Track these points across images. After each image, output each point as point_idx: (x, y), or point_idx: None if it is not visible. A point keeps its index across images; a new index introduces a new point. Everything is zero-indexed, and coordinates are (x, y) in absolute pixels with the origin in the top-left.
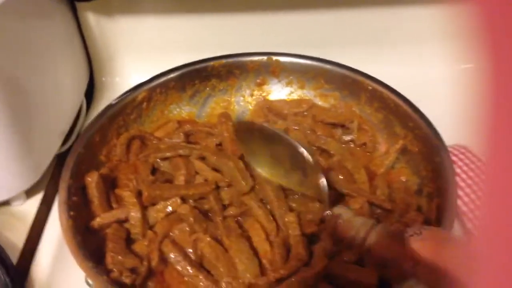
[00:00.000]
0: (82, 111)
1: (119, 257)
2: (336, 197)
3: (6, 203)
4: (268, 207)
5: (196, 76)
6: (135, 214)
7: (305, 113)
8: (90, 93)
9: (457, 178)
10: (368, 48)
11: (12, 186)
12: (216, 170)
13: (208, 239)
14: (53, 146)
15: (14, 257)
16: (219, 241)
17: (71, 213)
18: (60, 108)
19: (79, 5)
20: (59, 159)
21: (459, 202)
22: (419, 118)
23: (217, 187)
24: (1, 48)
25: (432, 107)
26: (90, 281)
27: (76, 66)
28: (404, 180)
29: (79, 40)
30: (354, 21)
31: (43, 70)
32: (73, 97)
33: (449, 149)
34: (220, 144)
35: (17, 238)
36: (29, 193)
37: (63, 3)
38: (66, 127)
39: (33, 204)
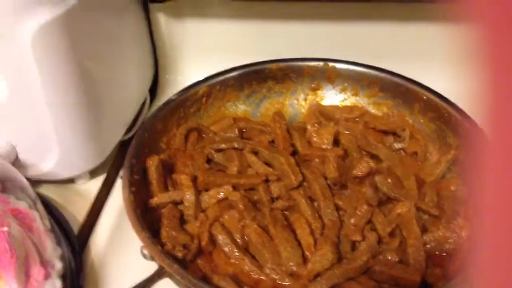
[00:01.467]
0: (145, 105)
1: (173, 232)
2: (384, 200)
3: (71, 181)
4: (315, 204)
5: (254, 77)
6: (189, 196)
7: (357, 119)
8: (154, 89)
9: None
10: (423, 61)
11: (78, 165)
12: (267, 164)
13: (255, 226)
14: (118, 133)
15: (75, 229)
16: (265, 230)
17: (133, 188)
18: (126, 99)
19: (151, 6)
20: (122, 147)
21: None
22: (471, 128)
23: (267, 180)
24: (81, 40)
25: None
26: (145, 252)
27: (143, 62)
28: (453, 189)
29: (148, 39)
30: (410, 34)
31: (114, 63)
32: (139, 91)
33: None
34: (272, 141)
35: (79, 213)
36: (93, 174)
37: (137, 2)
38: (130, 118)
39: (95, 184)
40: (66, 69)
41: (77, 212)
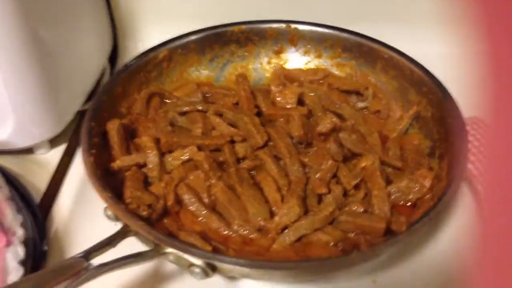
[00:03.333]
0: (105, 74)
1: (137, 192)
2: (349, 156)
3: (30, 150)
4: (281, 163)
5: (216, 41)
6: (153, 157)
7: (321, 81)
8: (114, 58)
9: (470, 144)
10: (387, 24)
11: (36, 134)
12: (232, 126)
13: (222, 184)
14: (76, 102)
15: (37, 198)
16: (232, 189)
17: (92, 151)
18: (83, 67)
19: None
20: (82, 117)
21: (471, 166)
22: (433, 83)
23: (233, 141)
24: (27, 4)
25: (453, 83)
26: (109, 213)
27: (100, 30)
28: (416, 143)
29: (104, 5)
30: None
31: (68, 29)
32: (97, 58)
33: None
34: (237, 104)
35: (40, 182)
36: (53, 144)
37: None
38: (89, 86)
39: (56, 154)
40: (16, 33)
41: (38, 182)
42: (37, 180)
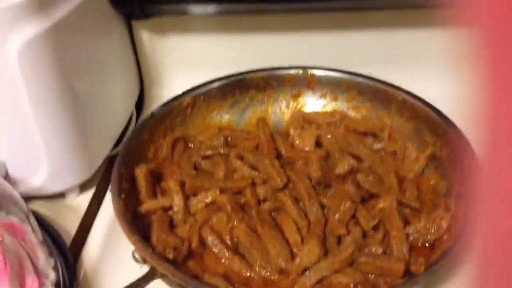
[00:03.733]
0: (132, 120)
1: (163, 235)
2: (366, 197)
3: (61, 195)
4: (301, 204)
5: (237, 87)
6: (178, 201)
7: (338, 123)
8: (140, 104)
9: None
10: (399, 66)
11: (67, 179)
12: (253, 168)
13: (243, 226)
14: (105, 148)
15: (67, 242)
16: (253, 230)
17: (122, 195)
18: (112, 114)
19: (134, 23)
20: (110, 162)
21: None
22: (447, 125)
23: (254, 184)
24: (66, 55)
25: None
26: (137, 256)
27: (128, 78)
28: (432, 183)
29: (132, 54)
30: (385, 41)
31: (99, 78)
32: (125, 106)
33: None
34: (257, 147)
35: (70, 226)
36: (82, 188)
37: (120, 19)
38: (117, 133)
39: (85, 198)
40: (52, 84)
41: (68, 226)
42: (68, 223)
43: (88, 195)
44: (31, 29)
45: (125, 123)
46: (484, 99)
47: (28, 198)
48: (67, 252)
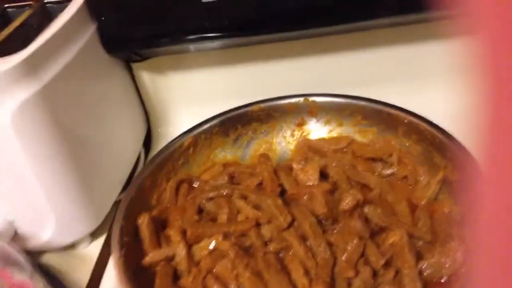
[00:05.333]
0: (140, 160)
1: None
2: (377, 231)
3: (72, 246)
4: (308, 243)
5: (238, 121)
6: (180, 251)
7: (345, 149)
8: (148, 143)
9: None
10: (399, 83)
11: (77, 230)
12: (256, 208)
13: (248, 274)
14: (114, 193)
15: None
16: (260, 275)
17: (123, 251)
18: (119, 158)
19: (134, 65)
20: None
21: None
22: (455, 146)
23: (258, 224)
24: (63, 110)
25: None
26: None
27: (133, 119)
28: (447, 211)
29: (136, 95)
30: (382, 59)
31: (104, 124)
32: (132, 147)
33: None
34: (261, 184)
35: (82, 277)
36: (93, 236)
37: (120, 63)
38: (125, 175)
39: (96, 246)
40: (50, 142)
41: (80, 276)
42: (80, 274)
43: (99, 242)
44: (22, 93)
45: (133, 164)
46: (487, 111)
47: (39, 252)
48: None
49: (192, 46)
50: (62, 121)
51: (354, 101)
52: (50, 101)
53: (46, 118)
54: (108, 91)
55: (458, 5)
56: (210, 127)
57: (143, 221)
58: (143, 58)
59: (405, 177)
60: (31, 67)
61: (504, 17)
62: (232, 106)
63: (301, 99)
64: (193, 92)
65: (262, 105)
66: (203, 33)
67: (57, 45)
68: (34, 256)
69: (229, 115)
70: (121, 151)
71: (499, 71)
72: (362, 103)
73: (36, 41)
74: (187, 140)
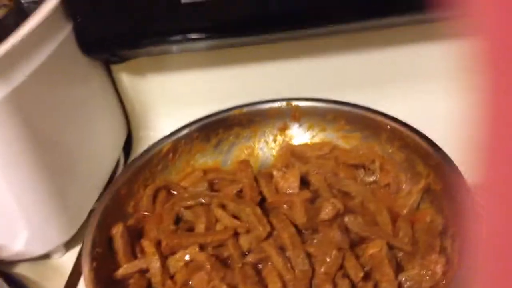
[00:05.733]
0: (119, 165)
1: None
2: (357, 241)
3: (46, 256)
4: (287, 254)
5: (219, 126)
6: (154, 263)
7: (327, 155)
8: (128, 147)
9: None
10: (383, 87)
11: (51, 240)
12: (235, 217)
13: (224, 287)
14: (90, 201)
15: None
16: None
17: (94, 264)
18: (97, 163)
19: (113, 67)
20: None
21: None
22: (439, 156)
23: (237, 234)
24: (38, 112)
25: (455, 144)
26: None
27: (113, 123)
28: (428, 221)
29: (115, 98)
30: (366, 63)
31: (80, 129)
32: (111, 152)
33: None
34: (241, 191)
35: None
36: (68, 245)
37: (99, 65)
38: (103, 181)
39: (71, 256)
40: (20, 147)
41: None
42: (53, 285)
43: (75, 252)
44: None
45: (111, 169)
46: (488, 109)
47: (13, 262)
48: None
49: (174, 47)
50: (34, 126)
51: (338, 106)
52: (20, 105)
53: (15, 123)
54: (86, 94)
55: (456, 4)
56: (190, 132)
57: (117, 231)
58: (123, 60)
59: (387, 184)
60: (0, 69)
61: (503, 14)
62: (215, 109)
63: (284, 103)
64: (175, 95)
65: (244, 109)
66: (183, 34)
67: (28, 47)
68: (6, 265)
69: (210, 119)
70: (99, 156)
71: (499, 70)
72: (346, 108)
73: (6, 43)
74: (166, 146)
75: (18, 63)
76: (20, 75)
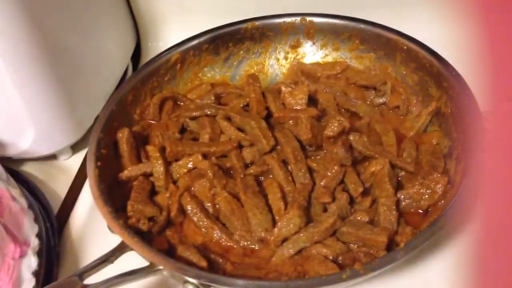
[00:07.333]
0: (127, 74)
1: (139, 206)
2: (360, 159)
3: (53, 157)
4: (289, 168)
5: (230, 39)
6: (158, 167)
7: (339, 75)
8: (137, 56)
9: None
10: (404, 10)
11: (57, 141)
12: (240, 130)
13: (225, 194)
14: (97, 107)
15: (56, 206)
16: (237, 197)
17: (99, 163)
18: (105, 70)
19: None
20: None
21: None
22: (454, 79)
23: (240, 146)
24: (47, 11)
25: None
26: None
27: (122, 31)
28: (435, 143)
29: (125, 6)
30: None
31: (89, 34)
32: (119, 60)
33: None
34: (248, 105)
35: (61, 188)
36: (75, 149)
37: None
38: (110, 89)
39: (77, 159)
40: (28, 46)
41: (60, 187)
42: (59, 185)
43: (81, 156)
44: None
45: (119, 78)
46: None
47: (20, 160)
48: (53, 218)
49: None
50: (43, 25)
51: (353, 23)
52: (29, 4)
53: (24, 20)
54: (96, 1)
55: None
56: (199, 43)
57: (123, 135)
58: None
59: (397, 107)
60: None
61: None
62: (226, 22)
63: (298, 18)
64: (186, 5)
65: (256, 22)
66: None
67: None
68: (14, 163)
69: (220, 31)
70: (108, 62)
71: None
72: (361, 25)
73: None
74: (175, 55)
75: None
76: None
